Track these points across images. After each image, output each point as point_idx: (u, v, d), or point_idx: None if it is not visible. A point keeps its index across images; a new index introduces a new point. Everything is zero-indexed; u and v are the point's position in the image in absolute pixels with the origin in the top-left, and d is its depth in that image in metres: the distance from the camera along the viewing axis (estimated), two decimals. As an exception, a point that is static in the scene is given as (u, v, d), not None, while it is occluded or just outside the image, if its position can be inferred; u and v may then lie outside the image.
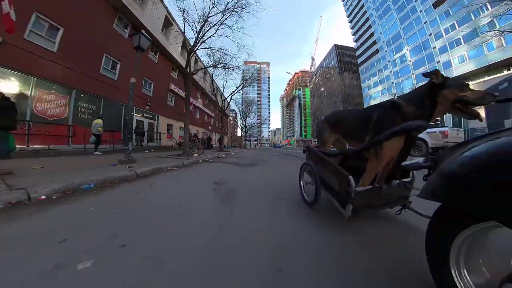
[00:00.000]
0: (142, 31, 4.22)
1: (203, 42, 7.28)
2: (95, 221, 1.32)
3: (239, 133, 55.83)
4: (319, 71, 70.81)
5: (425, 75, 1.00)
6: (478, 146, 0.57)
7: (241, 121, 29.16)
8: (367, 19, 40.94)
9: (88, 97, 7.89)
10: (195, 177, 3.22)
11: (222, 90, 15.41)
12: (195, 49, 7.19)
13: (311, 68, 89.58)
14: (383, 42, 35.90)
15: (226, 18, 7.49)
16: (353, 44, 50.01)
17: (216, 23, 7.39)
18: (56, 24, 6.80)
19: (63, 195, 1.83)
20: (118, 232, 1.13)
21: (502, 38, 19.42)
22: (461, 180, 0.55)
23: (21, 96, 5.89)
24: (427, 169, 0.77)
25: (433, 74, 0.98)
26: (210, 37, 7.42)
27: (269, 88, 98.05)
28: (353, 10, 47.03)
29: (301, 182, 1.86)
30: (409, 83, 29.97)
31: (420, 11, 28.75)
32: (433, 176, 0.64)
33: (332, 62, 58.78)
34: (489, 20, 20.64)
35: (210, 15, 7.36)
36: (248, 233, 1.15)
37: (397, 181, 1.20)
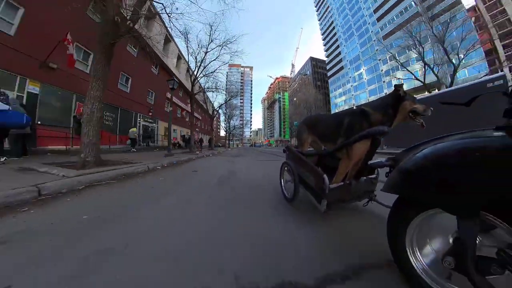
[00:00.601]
0: (174, 77, 6.70)
1: (203, 76, 9.92)
2: (199, 165, 3.99)
3: (222, 133, 57.71)
4: (298, 78, 76.68)
5: (396, 85, 1.16)
6: (426, 149, 0.65)
7: (225, 123, 31.62)
8: (336, 40, 47.10)
9: (110, 107, 9.70)
10: (215, 160, 5.97)
11: (212, 101, 17.84)
12: (198, 78, 9.72)
13: (291, 74, 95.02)
14: (348, 60, 42.07)
15: (219, 55, 10.20)
16: (325, 58, 56.39)
17: (214, 60, 10.05)
18: (89, 50, 8.59)
19: (173, 164, 4.41)
20: (202, 166, 3.86)
21: (423, 69, 26.00)
22: (413, 177, 0.66)
23: (68, 108, 7.70)
24: (389, 167, 0.86)
25: (401, 87, 1.13)
26: (207, 74, 10.09)
27: (251, 91, 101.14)
28: (326, 29, 53.01)
29: (282, 180, 1.95)
30: (364, 96, 36.24)
31: (374, 41, 35.03)
32: (392, 173, 0.75)
33: (308, 72, 64.73)
34: (417, 54, 27.04)
35: (208, 50, 9.96)
36: (244, 166, 3.97)
37: (365, 177, 1.36)
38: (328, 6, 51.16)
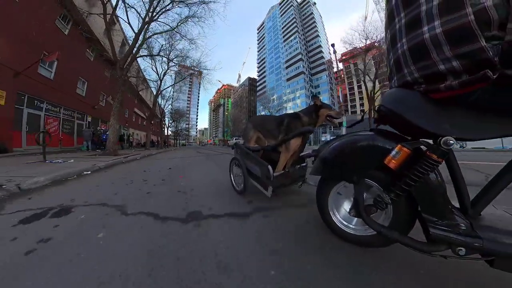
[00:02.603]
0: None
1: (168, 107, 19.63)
2: (175, 152, 14.44)
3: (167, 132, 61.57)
4: (240, 88, 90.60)
5: (313, 97, 1.55)
6: (335, 143, 0.93)
7: (174, 128, 38.82)
8: (265, 71, 63.98)
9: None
10: (180, 150, 16.28)
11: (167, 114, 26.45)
12: (165, 116, 19.34)
13: (237, 82, 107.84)
14: (268, 88, 59.55)
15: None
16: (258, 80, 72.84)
17: (175, 100, 19.93)
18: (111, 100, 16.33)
19: (166, 151, 14.60)
20: (173, 156, 14.48)
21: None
22: (327, 162, 0.93)
23: (97, 125, 15.52)
24: (314, 157, 1.07)
25: (316, 98, 1.53)
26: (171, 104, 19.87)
27: (198, 95, 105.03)
28: (261, 61, 69.39)
29: (231, 175, 2.10)
30: (275, 114, 54.70)
31: (282, 80, 53.46)
32: (316, 161, 1.00)
33: (247, 88, 79.92)
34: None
35: (173, 93, 19.67)
36: (195, 152, 14.97)
37: (298, 166, 1.72)
38: (265, 45, 67.69)
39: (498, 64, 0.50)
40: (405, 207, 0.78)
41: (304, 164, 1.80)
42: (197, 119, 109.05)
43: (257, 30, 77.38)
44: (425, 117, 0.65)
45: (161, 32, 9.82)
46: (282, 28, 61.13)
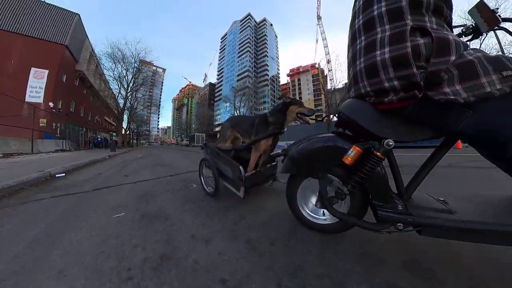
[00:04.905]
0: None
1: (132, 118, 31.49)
2: (145, 149, 26.65)
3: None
4: (204, 90, 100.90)
5: (281, 96, 1.66)
6: (301, 143, 1.06)
7: (135, 129, 47.77)
8: (222, 80, 77.03)
9: (99, 132, 28.10)
10: (149, 148, 28.42)
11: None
12: (130, 126, 31.06)
13: (204, 81, 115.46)
14: (223, 95, 73.13)
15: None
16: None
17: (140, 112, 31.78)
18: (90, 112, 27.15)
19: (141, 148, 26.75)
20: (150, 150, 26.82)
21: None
22: (295, 161, 1.06)
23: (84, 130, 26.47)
24: (283, 156, 1.20)
25: (284, 96, 1.61)
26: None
27: (161, 96, 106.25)
28: (220, 70, 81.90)
29: (201, 177, 2.11)
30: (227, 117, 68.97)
31: (232, 88, 67.93)
32: (285, 160, 1.13)
33: (207, 92, 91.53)
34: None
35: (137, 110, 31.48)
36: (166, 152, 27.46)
37: (269, 165, 1.89)
38: (224, 56, 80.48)
39: (423, 87, 0.66)
40: (360, 196, 0.95)
41: (274, 163, 1.98)
42: (158, 119, 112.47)
43: (221, 39, 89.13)
44: (373, 123, 0.81)
45: (134, 91, 23.16)
46: (239, 45, 75.14)
